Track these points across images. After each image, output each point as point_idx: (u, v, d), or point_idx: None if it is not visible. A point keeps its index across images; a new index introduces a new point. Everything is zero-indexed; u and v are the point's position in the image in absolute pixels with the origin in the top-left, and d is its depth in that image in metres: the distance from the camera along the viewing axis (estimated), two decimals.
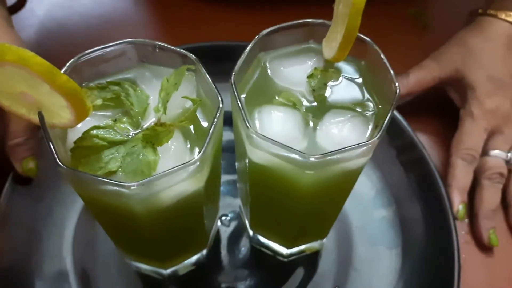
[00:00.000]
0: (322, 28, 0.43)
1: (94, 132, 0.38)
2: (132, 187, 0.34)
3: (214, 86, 0.38)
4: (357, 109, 0.42)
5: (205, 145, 0.35)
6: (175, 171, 0.34)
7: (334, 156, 0.37)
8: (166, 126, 0.37)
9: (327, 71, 0.43)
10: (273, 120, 0.41)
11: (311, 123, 0.41)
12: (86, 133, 0.38)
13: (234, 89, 0.39)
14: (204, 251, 0.55)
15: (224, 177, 0.62)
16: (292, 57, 0.45)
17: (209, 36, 0.71)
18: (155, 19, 0.79)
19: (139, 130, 0.39)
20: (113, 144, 0.38)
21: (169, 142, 0.38)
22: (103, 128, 0.38)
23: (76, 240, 0.56)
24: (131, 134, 0.39)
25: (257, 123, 0.41)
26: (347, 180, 0.45)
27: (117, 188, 0.34)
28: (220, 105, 0.37)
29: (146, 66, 0.42)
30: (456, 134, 0.63)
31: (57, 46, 0.72)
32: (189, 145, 0.39)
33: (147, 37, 0.48)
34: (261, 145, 0.38)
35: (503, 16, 0.63)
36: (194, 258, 0.55)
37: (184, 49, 0.40)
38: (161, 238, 0.46)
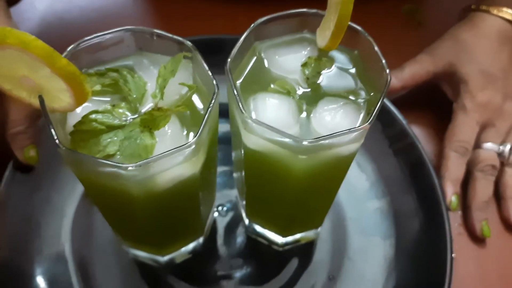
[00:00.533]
0: (317, 18, 0.44)
1: (93, 116, 0.39)
2: (130, 168, 0.35)
3: (210, 73, 0.39)
4: (350, 97, 0.43)
5: (200, 129, 0.36)
6: (171, 153, 0.35)
7: (327, 141, 0.38)
8: (163, 111, 0.38)
9: (321, 60, 0.44)
10: (267, 107, 0.42)
11: (304, 110, 0.42)
12: (85, 117, 0.38)
13: (230, 76, 0.40)
14: (201, 239, 0.56)
15: (221, 168, 0.63)
16: (287, 46, 0.45)
17: (207, 31, 0.72)
18: (154, 13, 0.80)
19: (136, 115, 0.40)
20: (111, 128, 0.39)
21: (166, 127, 0.39)
22: (102, 112, 0.39)
23: (74, 228, 0.57)
24: (129, 119, 0.40)
25: (252, 109, 0.41)
26: (339, 166, 0.46)
27: (115, 169, 0.35)
28: (216, 90, 0.38)
29: (144, 53, 0.43)
30: (449, 127, 0.64)
31: (57, 39, 0.72)
32: (185, 131, 0.40)
33: None
34: (256, 130, 0.39)
35: (495, 11, 0.64)
36: (190, 246, 0.56)
37: None
38: (158, 223, 0.46)
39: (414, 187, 0.61)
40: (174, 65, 0.40)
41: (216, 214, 0.60)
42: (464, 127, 0.63)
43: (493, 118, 0.63)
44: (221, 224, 0.60)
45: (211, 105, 0.37)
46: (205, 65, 0.40)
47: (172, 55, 0.41)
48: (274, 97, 0.42)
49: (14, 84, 0.37)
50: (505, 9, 0.64)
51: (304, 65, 0.44)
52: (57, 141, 0.35)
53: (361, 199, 0.62)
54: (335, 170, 0.46)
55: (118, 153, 0.38)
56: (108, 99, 0.41)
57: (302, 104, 0.43)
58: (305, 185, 0.45)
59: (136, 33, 0.41)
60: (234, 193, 0.62)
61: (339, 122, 0.41)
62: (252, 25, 0.42)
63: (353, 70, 0.45)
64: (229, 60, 0.40)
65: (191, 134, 0.40)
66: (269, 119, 0.40)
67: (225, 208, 0.61)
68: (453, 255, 0.55)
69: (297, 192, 0.46)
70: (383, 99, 0.39)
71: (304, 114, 0.42)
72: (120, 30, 0.41)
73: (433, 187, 0.59)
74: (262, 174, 0.46)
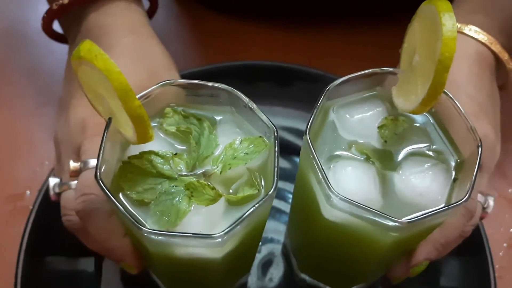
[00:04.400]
0: (389, 75, 0.42)
1: (151, 157, 0.38)
2: (145, 233, 0.33)
3: (276, 172, 0.36)
4: (433, 158, 0.40)
5: (230, 227, 0.33)
6: (189, 237, 0.33)
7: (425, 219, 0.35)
8: (215, 194, 0.36)
9: (398, 120, 0.41)
10: (348, 176, 0.39)
11: (387, 176, 0.39)
12: (144, 153, 0.38)
13: (311, 146, 0.37)
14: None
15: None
16: (360, 106, 0.43)
17: (239, 51, 0.71)
18: (184, 31, 0.76)
19: (189, 174, 0.38)
20: (160, 176, 0.37)
21: None
22: (160, 156, 0.38)
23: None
24: (182, 172, 0.38)
25: (331, 179, 0.38)
26: (426, 234, 0.43)
27: (132, 222, 0.34)
28: (270, 192, 0.35)
29: (234, 113, 0.41)
30: None
31: None
32: (227, 214, 0.37)
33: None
34: (342, 207, 0.36)
35: (468, 31, 0.50)
36: None
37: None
38: (176, 277, 0.45)
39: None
40: (251, 150, 0.38)
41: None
42: None
43: (485, 157, 0.47)
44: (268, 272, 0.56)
45: (255, 206, 0.34)
46: (277, 162, 0.36)
47: (257, 128, 0.40)
48: (354, 165, 0.40)
49: (95, 97, 0.37)
50: (478, 29, 0.50)
51: (381, 127, 0.41)
52: (97, 173, 0.34)
53: None
54: (421, 238, 0.43)
55: (152, 202, 0.36)
56: (178, 144, 0.40)
57: (384, 169, 0.40)
58: (387, 254, 0.42)
59: (232, 95, 0.39)
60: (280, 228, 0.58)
61: (428, 186, 0.39)
62: (327, 88, 0.39)
63: (433, 131, 0.42)
64: (308, 128, 0.37)
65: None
66: (351, 189, 0.38)
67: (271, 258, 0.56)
68: None
69: (376, 260, 0.43)
70: (478, 166, 0.36)
71: (387, 181, 0.39)
72: (220, 86, 0.39)
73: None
74: (338, 243, 0.43)
